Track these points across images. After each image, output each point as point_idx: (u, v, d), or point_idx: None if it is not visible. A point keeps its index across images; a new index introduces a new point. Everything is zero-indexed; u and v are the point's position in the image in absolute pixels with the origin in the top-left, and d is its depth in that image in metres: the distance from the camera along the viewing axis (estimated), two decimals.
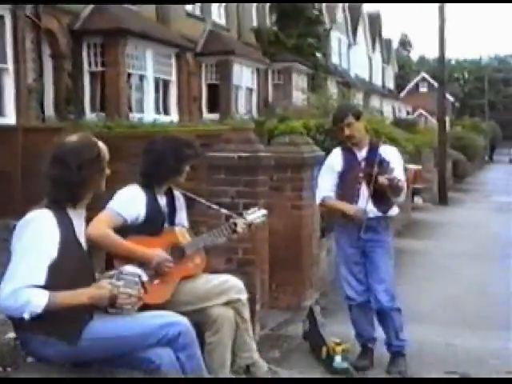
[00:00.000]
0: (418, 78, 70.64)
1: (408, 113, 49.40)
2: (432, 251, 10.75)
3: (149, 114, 16.15)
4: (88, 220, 3.77)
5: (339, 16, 35.66)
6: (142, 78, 16.71)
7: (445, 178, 19.40)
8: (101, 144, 3.49)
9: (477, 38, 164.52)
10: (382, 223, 5.20)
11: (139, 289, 3.43)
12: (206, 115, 20.59)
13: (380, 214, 5.15)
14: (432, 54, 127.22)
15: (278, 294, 6.80)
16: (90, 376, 3.37)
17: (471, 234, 12.97)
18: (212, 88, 21.19)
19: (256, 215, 4.50)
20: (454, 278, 8.71)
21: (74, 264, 3.28)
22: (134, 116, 14.96)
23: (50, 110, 14.21)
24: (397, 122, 24.60)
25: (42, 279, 3.16)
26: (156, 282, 4.05)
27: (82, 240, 3.39)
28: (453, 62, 78.60)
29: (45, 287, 3.15)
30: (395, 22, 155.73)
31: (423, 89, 67.77)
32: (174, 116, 17.92)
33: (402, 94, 62.28)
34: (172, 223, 4.32)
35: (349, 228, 5.17)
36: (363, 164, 5.17)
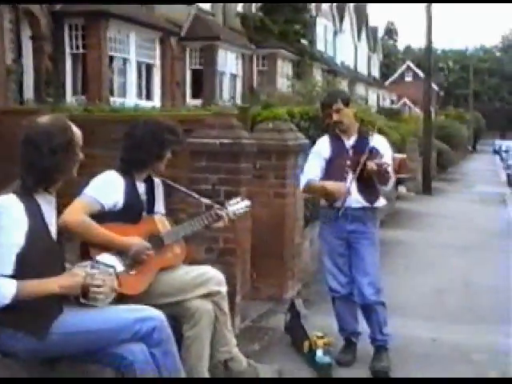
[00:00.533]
0: (403, 67, 70.66)
1: (392, 102, 49.44)
2: (416, 242, 10.65)
3: (131, 99, 15.92)
4: (62, 207, 3.61)
5: (325, 3, 35.40)
6: (124, 61, 16.46)
7: (429, 167, 19.34)
8: (74, 127, 3.31)
9: (463, 28, 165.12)
10: (368, 214, 5.05)
11: (113, 279, 3.26)
12: (190, 101, 20.36)
13: (366, 204, 5.00)
14: (418, 43, 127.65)
15: (259, 285, 6.64)
16: (61, 371, 3.20)
17: (455, 224, 12.89)
18: (196, 73, 20.95)
19: (239, 206, 4.35)
20: (438, 270, 8.60)
21: (43, 253, 3.10)
22: (116, 100, 14.71)
23: (29, 92, 13.94)
24: (381, 110, 24.49)
25: (9, 268, 3.01)
26: (133, 272, 3.88)
27: (52, 228, 3.21)
28: (438, 52, 78.59)
29: (12, 277, 2.99)
30: (381, 10, 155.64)
31: (408, 78, 67.85)
32: (156, 101, 17.69)
33: (387, 83, 62.24)
34: (151, 211, 4.15)
35: (334, 218, 5.02)
36: (351, 152, 5.02)
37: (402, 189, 17.44)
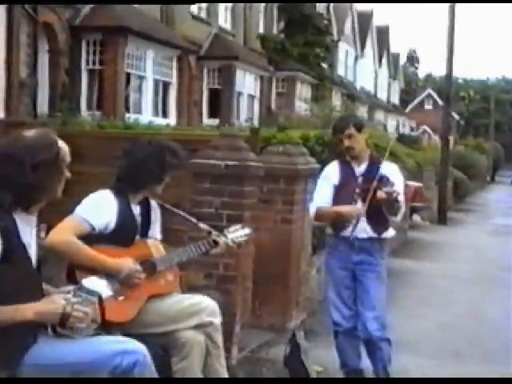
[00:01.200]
0: (423, 95, 70.37)
1: (412, 129, 49.14)
2: (426, 273, 10.37)
3: (146, 116, 15.80)
4: (51, 227, 3.42)
5: (347, 27, 35.39)
6: (141, 78, 16.36)
7: (445, 197, 19.02)
8: (62, 143, 3.10)
9: (484, 59, 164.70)
10: (376, 245, 4.83)
11: (96, 309, 3.04)
12: (206, 120, 20.25)
13: (374, 234, 4.78)
14: (439, 71, 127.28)
15: (261, 313, 6.40)
16: None
17: (469, 256, 12.58)
18: (214, 93, 20.86)
19: (238, 234, 4.14)
20: (447, 303, 8.32)
21: (19, 277, 2.88)
22: (130, 116, 14.58)
23: (44, 106, 13.86)
24: (400, 137, 24.25)
25: None
26: (121, 297, 3.66)
27: (31, 250, 2.99)
28: (460, 81, 78.34)
29: None
30: (404, 37, 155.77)
31: (428, 106, 67.51)
32: (172, 119, 17.56)
33: (407, 110, 61.98)
34: (144, 235, 3.94)
35: (340, 248, 4.80)
36: (361, 179, 4.81)
37: (417, 217, 17.15)
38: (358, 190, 4.76)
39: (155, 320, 3.74)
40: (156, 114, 17.13)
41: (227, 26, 22.70)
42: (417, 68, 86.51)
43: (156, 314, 3.74)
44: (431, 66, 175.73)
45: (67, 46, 14.38)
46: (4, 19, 11.85)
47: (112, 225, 3.72)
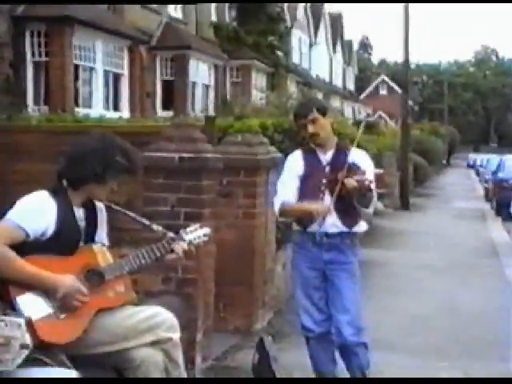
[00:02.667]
0: (378, 81, 70.51)
1: (368, 115, 48.98)
2: (396, 262, 10.06)
3: (97, 110, 15.14)
4: None
5: (300, 14, 34.97)
6: (90, 70, 15.66)
7: (407, 182, 18.85)
8: None
9: (436, 43, 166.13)
10: (347, 241, 4.41)
11: (24, 334, 2.56)
12: (160, 112, 19.62)
13: (345, 228, 4.37)
14: (392, 57, 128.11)
15: (225, 315, 5.98)
16: None
17: (436, 242, 12.38)
18: (167, 84, 20.22)
19: (196, 234, 3.66)
20: (420, 294, 8.03)
21: None
22: (81, 111, 13.92)
23: None
24: (357, 122, 23.96)
25: None
26: (63, 315, 3.17)
27: None
28: (412, 66, 78.77)
29: None
30: (356, 23, 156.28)
31: (383, 91, 67.70)
32: (124, 112, 16.89)
33: (362, 96, 62.02)
34: (90, 241, 3.44)
35: (307, 246, 4.38)
36: (328, 169, 4.39)
37: (379, 204, 16.88)
38: (325, 181, 4.36)
39: (105, 338, 3.28)
40: (107, 107, 16.46)
41: (178, 14, 22.04)
42: (370, 54, 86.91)
43: (105, 332, 3.28)
44: (384, 52, 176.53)
45: (10, 37, 13.61)
46: None
47: (50, 230, 3.25)
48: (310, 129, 4.36)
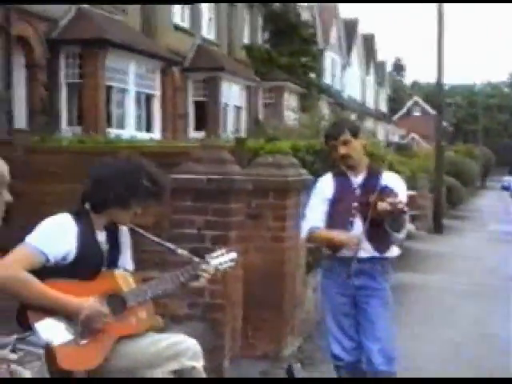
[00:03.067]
0: (410, 102, 70.15)
1: (401, 137, 48.69)
2: (429, 287, 9.82)
3: (129, 131, 15.22)
4: None
5: (333, 36, 34.98)
6: (123, 91, 15.78)
7: (440, 204, 18.54)
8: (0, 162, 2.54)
9: (470, 64, 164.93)
10: (378, 267, 4.25)
11: (43, 364, 2.46)
12: (192, 133, 19.68)
13: (376, 254, 4.21)
14: (425, 78, 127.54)
15: (253, 340, 5.83)
16: None
17: (469, 266, 12.10)
18: (199, 105, 20.31)
19: (222, 259, 3.54)
20: (456, 321, 7.78)
21: None
22: (113, 131, 13.99)
23: (22, 122, 13.26)
24: (391, 144, 23.78)
25: None
26: (84, 341, 3.06)
27: None
28: (446, 87, 78.28)
29: None
30: (389, 44, 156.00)
31: (416, 113, 67.30)
32: (156, 133, 16.96)
33: (395, 118, 61.69)
34: (113, 265, 3.33)
35: (337, 271, 4.23)
36: (359, 192, 4.24)
37: (411, 227, 16.62)
38: (356, 204, 4.21)
39: (126, 365, 3.18)
40: (139, 128, 16.55)
41: (211, 36, 22.20)
42: (403, 76, 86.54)
43: (127, 359, 3.18)
44: (417, 73, 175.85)
45: (44, 59, 13.77)
46: None
47: (71, 255, 3.15)
48: (341, 150, 4.23)
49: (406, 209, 4.04)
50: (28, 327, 2.97)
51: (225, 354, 4.72)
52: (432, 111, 61.32)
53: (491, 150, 58.07)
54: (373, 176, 4.28)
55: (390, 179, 4.29)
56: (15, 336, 2.65)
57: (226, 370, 4.74)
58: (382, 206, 3.97)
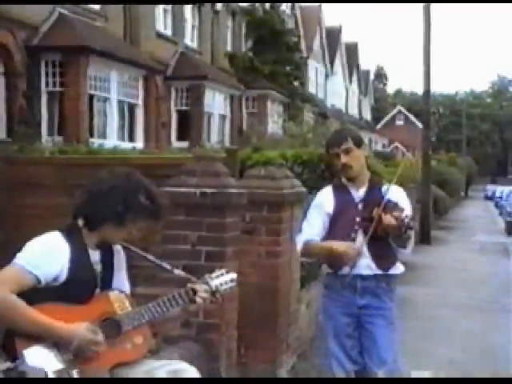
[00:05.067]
0: (394, 111, 70.26)
1: (384, 145, 48.69)
2: (422, 300, 9.60)
3: (112, 140, 14.91)
4: None
5: (316, 44, 34.91)
6: (105, 100, 15.48)
7: (428, 215, 18.41)
8: None
9: (452, 73, 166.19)
10: (383, 285, 4.03)
11: None
12: (175, 143, 19.42)
13: (379, 271, 3.99)
14: (408, 87, 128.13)
15: (247, 360, 5.56)
16: None
17: (460, 278, 11.92)
18: (182, 114, 20.04)
19: (222, 280, 3.29)
20: (449, 336, 7.57)
21: None
22: (95, 142, 13.68)
23: (1, 132, 12.92)
24: (376, 154, 23.65)
25: None
26: (75, 370, 2.81)
27: None
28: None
29: None
30: (371, 53, 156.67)
31: (400, 122, 67.43)
32: (139, 143, 16.67)
33: (379, 127, 61.76)
34: (107, 287, 3.10)
35: (339, 289, 4.00)
36: (361, 206, 4.02)
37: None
38: (358, 219, 3.99)
39: None
40: (122, 137, 16.25)
41: (194, 44, 21.97)
42: (385, 84, 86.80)
43: None
44: (399, 82, 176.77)
45: (24, 67, 13.44)
46: None
47: (63, 276, 2.92)
48: (343, 159, 4.00)
49: (412, 224, 3.83)
50: (15, 355, 2.74)
51: (220, 376, 4.46)
52: (415, 120, 61.59)
53: (473, 159, 58.41)
54: (374, 189, 4.07)
55: (394, 193, 4.07)
56: (6, 365, 2.40)
57: None
58: (388, 219, 3.76)
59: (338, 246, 3.89)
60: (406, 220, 3.75)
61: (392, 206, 3.86)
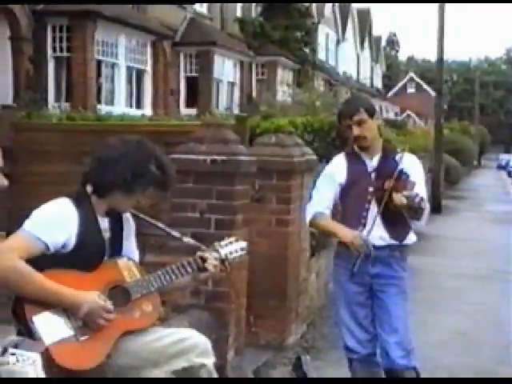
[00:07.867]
0: (406, 79, 69.33)
1: (396, 114, 48.12)
2: (431, 270, 9.52)
3: (119, 107, 14.78)
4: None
5: (328, 10, 34.44)
6: (113, 66, 15.32)
7: (439, 184, 18.29)
8: None
9: (466, 39, 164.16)
10: (396, 254, 3.98)
11: (38, 372, 2.20)
12: (184, 110, 19.26)
13: (393, 241, 3.92)
14: (420, 54, 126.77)
15: (256, 329, 5.54)
16: None
17: (471, 248, 11.81)
18: (191, 81, 19.84)
19: (232, 248, 3.24)
20: (459, 306, 7.52)
21: None
22: (103, 108, 13.57)
23: (8, 97, 12.83)
24: (387, 122, 23.44)
25: None
26: (84, 337, 2.80)
27: None
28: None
29: None
30: (383, 20, 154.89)
31: (411, 89, 66.56)
32: (147, 110, 16.53)
33: (390, 94, 61.09)
34: (116, 254, 3.06)
35: (352, 258, 3.92)
36: (374, 176, 3.93)
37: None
38: (371, 189, 3.90)
39: (130, 363, 2.93)
40: (130, 104, 16.13)
41: (203, 9, 21.67)
42: (397, 51, 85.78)
43: (131, 356, 2.93)
44: (412, 49, 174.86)
45: (30, 32, 13.27)
46: None
47: (72, 243, 2.89)
48: (356, 131, 3.91)
49: (423, 204, 3.72)
50: (25, 321, 2.75)
51: (229, 345, 4.44)
52: (427, 88, 60.92)
53: (486, 127, 57.75)
54: (388, 158, 3.98)
55: (408, 163, 3.96)
56: (10, 338, 2.44)
57: (230, 362, 4.44)
58: (399, 198, 3.68)
59: (345, 234, 3.85)
60: (417, 200, 3.66)
61: (404, 180, 3.76)
